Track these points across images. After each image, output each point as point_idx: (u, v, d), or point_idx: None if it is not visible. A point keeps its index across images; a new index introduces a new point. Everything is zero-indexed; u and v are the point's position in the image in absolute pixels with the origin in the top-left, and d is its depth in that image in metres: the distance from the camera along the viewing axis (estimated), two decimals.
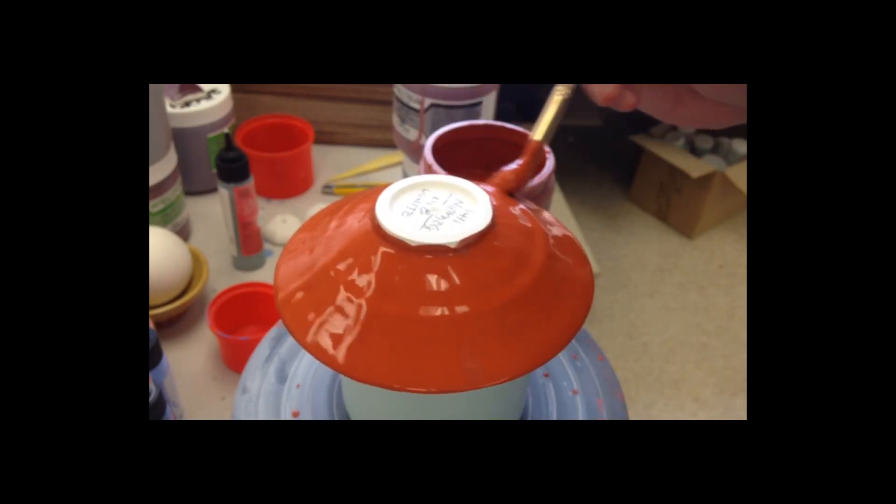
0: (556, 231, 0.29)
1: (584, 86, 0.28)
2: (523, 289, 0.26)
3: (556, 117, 0.30)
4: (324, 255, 0.27)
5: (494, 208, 0.27)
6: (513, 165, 0.31)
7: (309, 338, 0.25)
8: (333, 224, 0.28)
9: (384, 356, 0.25)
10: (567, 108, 0.30)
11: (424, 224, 0.26)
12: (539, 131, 0.31)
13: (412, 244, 0.25)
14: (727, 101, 0.27)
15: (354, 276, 0.26)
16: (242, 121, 0.86)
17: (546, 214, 0.31)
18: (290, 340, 0.37)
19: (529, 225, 0.28)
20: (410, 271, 0.25)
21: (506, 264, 0.26)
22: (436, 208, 0.27)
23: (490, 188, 0.29)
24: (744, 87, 0.25)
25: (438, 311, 0.25)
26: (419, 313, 0.25)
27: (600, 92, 0.28)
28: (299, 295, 0.26)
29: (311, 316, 0.26)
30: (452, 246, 0.25)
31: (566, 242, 0.29)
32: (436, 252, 0.25)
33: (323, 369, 0.35)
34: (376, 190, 0.28)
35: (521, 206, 0.29)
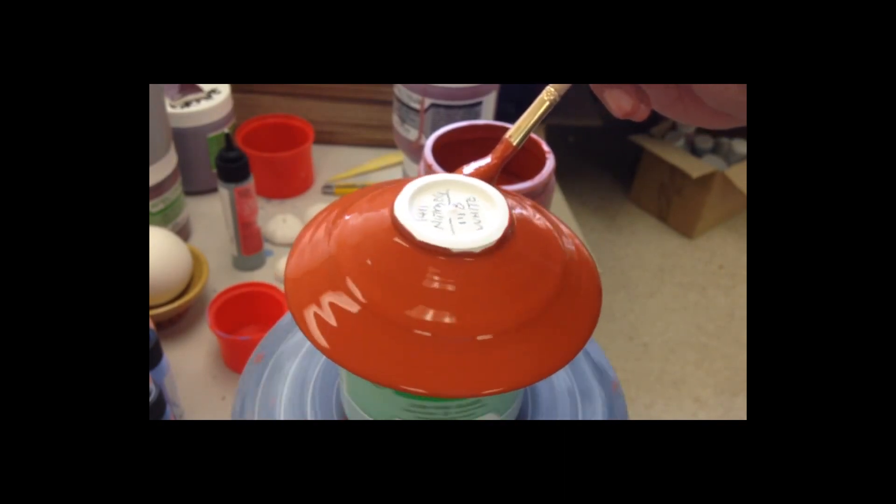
0: (567, 240, 0.29)
1: (602, 99, 0.28)
2: (536, 303, 0.25)
3: (536, 122, 0.30)
4: (338, 244, 0.26)
5: (513, 216, 0.27)
6: (482, 162, 0.30)
7: (307, 320, 0.25)
8: (352, 214, 0.28)
9: (379, 352, 0.24)
10: (547, 114, 0.30)
11: (442, 226, 0.26)
12: (516, 135, 0.30)
13: (428, 245, 0.25)
14: (726, 110, 0.27)
15: (365, 269, 0.25)
16: (243, 121, 0.86)
17: (553, 218, 0.30)
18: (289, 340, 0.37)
19: (545, 231, 0.28)
20: (421, 272, 0.25)
21: (521, 276, 0.25)
22: (454, 211, 0.27)
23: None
24: (742, 102, 0.25)
25: (446, 318, 0.24)
26: (423, 316, 0.24)
27: (619, 108, 0.28)
28: (306, 278, 0.26)
29: (314, 300, 0.26)
30: (469, 251, 0.25)
31: (579, 253, 0.29)
32: (450, 256, 0.25)
33: (321, 369, 0.35)
34: (396, 184, 0.28)
35: (537, 213, 0.29)
